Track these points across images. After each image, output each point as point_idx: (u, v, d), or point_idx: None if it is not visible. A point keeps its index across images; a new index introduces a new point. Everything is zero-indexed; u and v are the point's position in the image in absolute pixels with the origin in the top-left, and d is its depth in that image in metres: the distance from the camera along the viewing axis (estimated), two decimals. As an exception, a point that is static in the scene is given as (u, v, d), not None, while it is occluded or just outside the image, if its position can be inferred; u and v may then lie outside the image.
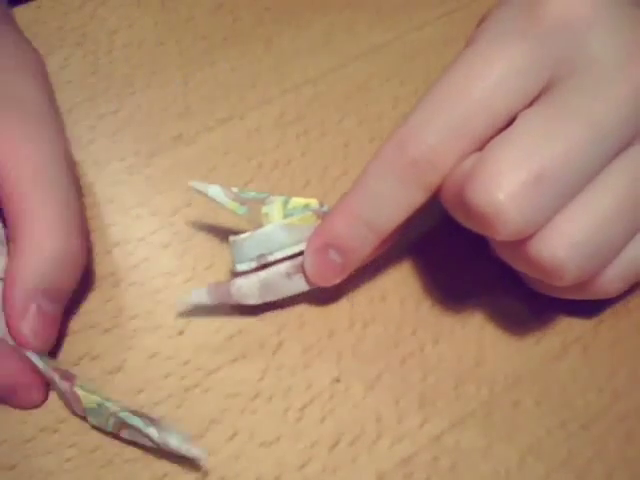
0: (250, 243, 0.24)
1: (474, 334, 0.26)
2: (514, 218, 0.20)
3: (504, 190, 0.20)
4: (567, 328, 0.26)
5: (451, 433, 0.24)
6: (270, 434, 0.24)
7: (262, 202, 0.25)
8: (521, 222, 0.20)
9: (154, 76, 0.31)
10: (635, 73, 0.21)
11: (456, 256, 0.26)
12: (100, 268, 0.26)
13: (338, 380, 0.25)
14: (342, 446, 0.24)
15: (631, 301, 0.27)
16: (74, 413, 0.23)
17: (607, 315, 0.26)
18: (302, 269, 0.24)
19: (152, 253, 0.27)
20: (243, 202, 0.25)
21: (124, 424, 0.22)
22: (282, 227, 0.24)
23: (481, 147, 0.21)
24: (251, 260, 0.24)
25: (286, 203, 0.25)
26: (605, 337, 0.26)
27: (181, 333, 0.25)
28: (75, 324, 0.25)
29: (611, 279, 0.23)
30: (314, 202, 0.25)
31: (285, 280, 0.25)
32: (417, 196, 0.22)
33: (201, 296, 0.24)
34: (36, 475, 0.23)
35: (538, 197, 0.20)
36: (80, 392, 0.22)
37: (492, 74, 0.21)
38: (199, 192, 0.25)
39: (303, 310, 0.26)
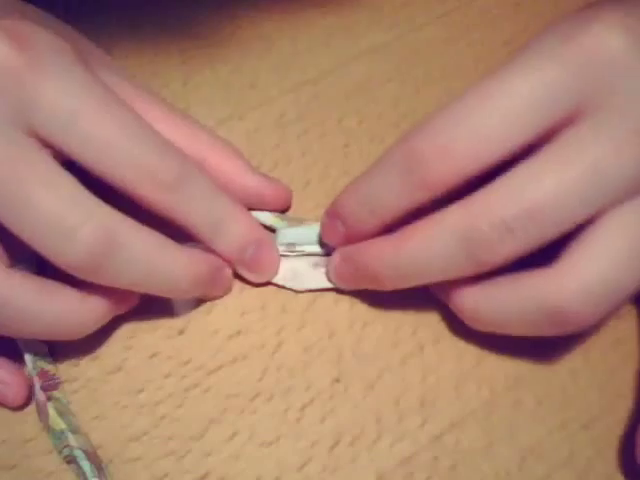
0: (284, 232, 0.27)
1: (474, 334, 0.26)
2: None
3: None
4: (567, 328, 0.26)
5: (451, 433, 0.24)
6: (270, 434, 0.24)
7: (301, 222, 0.27)
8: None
9: (154, 77, 0.31)
10: None
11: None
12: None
13: (338, 380, 0.25)
14: (342, 446, 0.24)
15: (631, 301, 0.27)
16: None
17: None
18: (326, 265, 0.26)
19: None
20: (283, 219, 0.27)
21: (74, 460, 0.22)
22: (316, 229, 0.26)
23: (489, 162, 0.21)
24: (280, 245, 0.26)
25: None
26: (605, 337, 0.26)
27: (181, 333, 0.25)
28: (75, 324, 0.25)
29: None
30: None
31: (312, 270, 0.26)
32: (417, 194, 0.22)
33: None
34: (36, 475, 0.23)
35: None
36: (51, 412, 0.23)
37: (520, 90, 0.21)
38: None
39: (303, 310, 0.26)
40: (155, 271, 0.23)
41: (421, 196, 0.22)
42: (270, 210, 0.27)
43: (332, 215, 0.25)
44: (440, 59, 0.32)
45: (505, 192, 0.21)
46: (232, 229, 0.25)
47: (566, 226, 0.21)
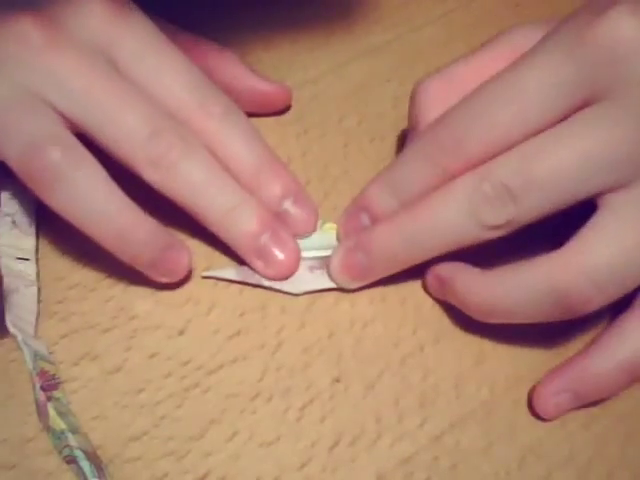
0: None
1: (474, 334, 0.26)
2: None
3: None
4: (568, 328, 0.26)
5: (451, 433, 0.24)
6: (270, 434, 0.24)
7: None
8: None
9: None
10: None
11: (456, 256, 0.26)
12: (100, 268, 0.26)
13: (338, 380, 0.25)
14: (342, 446, 0.24)
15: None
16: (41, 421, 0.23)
17: (608, 315, 0.26)
18: (325, 266, 0.26)
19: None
20: None
21: (74, 460, 0.22)
22: (315, 235, 0.27)
23: (506, 145, 0.22)
24: None
25: (323, 223, 0.27)
26: (605, 337, 0.26)
27: (181, 333, 0.25)
28: (75, 324, 0.25)
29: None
30: None
31: (307, 273, 0.26)
32: (437, 175, 0.23)
33: (228, 272, 0.26)
34: (36, 475, 0.23)
35: None
36: (51, 412, 0.23)
37: (532, 86, 0.22)
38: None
39: (303, 310, 0.26)
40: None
41: (440, 176, 0.23)
42: (272, 112, 0.30)
43: (358, 208, 0.26)
44: (440, 59, 0.32)
45: (512, 160, 0.22)
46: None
47: (568, 198, 0.21)
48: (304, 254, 0.26)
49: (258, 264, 0.25)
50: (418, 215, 0.23)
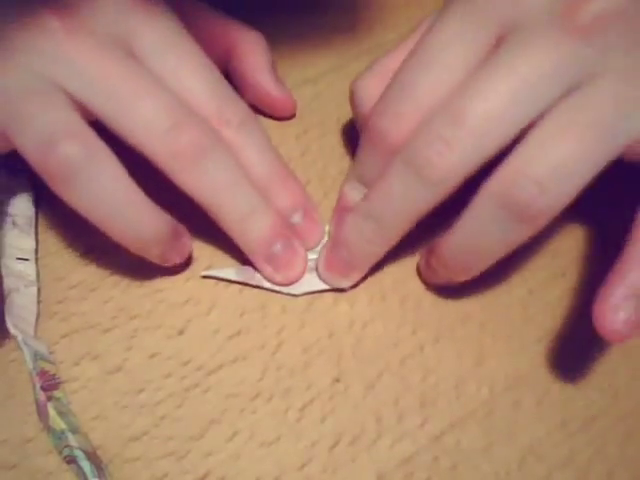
0: None
1: (474, 334, 0.26)
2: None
3: None
4: (568, 327, 0.26)
5: (451, 433, 0.24)
6: (270, 434, 0.24)
7: None
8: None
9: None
10: (571, 21, 0.21)
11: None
12: (100, 268, 0.26)
13: (338, 380, 0.25)
14: (342, 446, 0.24)
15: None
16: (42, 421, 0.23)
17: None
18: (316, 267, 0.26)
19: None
20: None
21: (74, 460, 0.22)
22: None
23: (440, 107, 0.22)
24: None
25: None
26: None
27: (181, 333, 0.25)
28: (75, 324, 0.25)
29: None
30: None
31: (306, 274, 0.26)
32: (388, 158, 0.23)
33: (228, 272, 0.26)
34: (36, 475, 0.23)
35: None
36: (51, 412, 0.23)
37: (443, 37, 0.23)
38: None
39: (303, 310, 0.26)
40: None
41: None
42: (272, 115, 0.30)
43: (340, 209, 0.27)
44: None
45: (440, 115, 0.22)
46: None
47: (503, 136, 0.21)
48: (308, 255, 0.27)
49: (268, 269, 0.26)
50: (372, 195, 0.24)
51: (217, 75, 0.26)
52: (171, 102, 0.23)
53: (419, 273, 0.27)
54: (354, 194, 0.26)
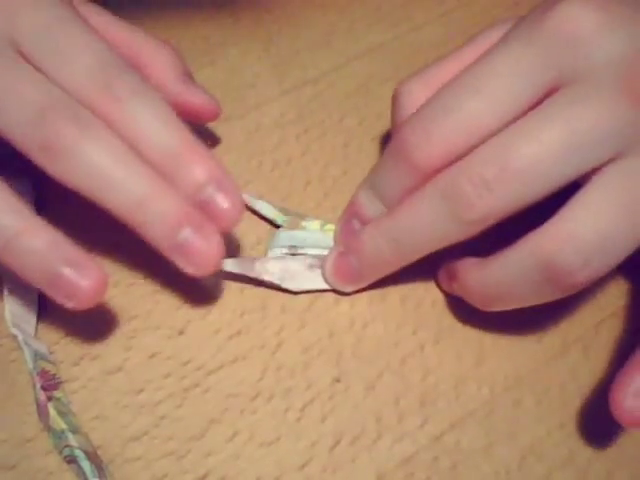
0: (287, 235, 0.27)
1: (474, 334, 0.26)
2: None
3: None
4: (567, 328, 0.26)
5: (451, 433, 0.24)
6: (270, 434, 0.24)
7: (302, 218, 0.27)
8: None
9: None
10: (631, 87, 0.21)
11: (456, 256, 0.26)
12: (100, 268, 0.26)
13: (338, 380, 0.25)
14: (342, 446, 0.24)
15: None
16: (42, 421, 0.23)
17: (607, 315, 0.26)
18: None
19: (152, 253, 0.27)
20: (286, 214, 0.27)
21: (74, 460, 0.22)
22: (316, 232, 0.27)
23: (478, 137, 0.22)
24: (282, 247, 0.26)
25: (323, 225, 0.27)
26: (605, 337, 0.26)
27: (181, 333, 0.25)
28: (75, 324, 0.25)
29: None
30: None
31: (306, 271, 0.26)
32: (413, 173, 0.23)
33: (227, 264, 0.25)
34: (36, 475, 0.23)
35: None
36: (51, 412, 0.23)
37: (498, 70, 0.22)
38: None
39: (303, 310, 0.26)
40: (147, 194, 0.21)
41: (415, 180, 0.23)
42: (201, 124, 0.28)
43: (349, 214, 0.26)
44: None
45: (486, 152, 0.22)
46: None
47: (546, 186, 0.21)
48: (304, 251, 0.26)
49: (179, 261, 0.22)
50: (398, 216, 0.23)
51: (105, 52, 0.23)
52: (38, 91, 0.21)
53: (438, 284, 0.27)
54: (369, 205, 0.25)
